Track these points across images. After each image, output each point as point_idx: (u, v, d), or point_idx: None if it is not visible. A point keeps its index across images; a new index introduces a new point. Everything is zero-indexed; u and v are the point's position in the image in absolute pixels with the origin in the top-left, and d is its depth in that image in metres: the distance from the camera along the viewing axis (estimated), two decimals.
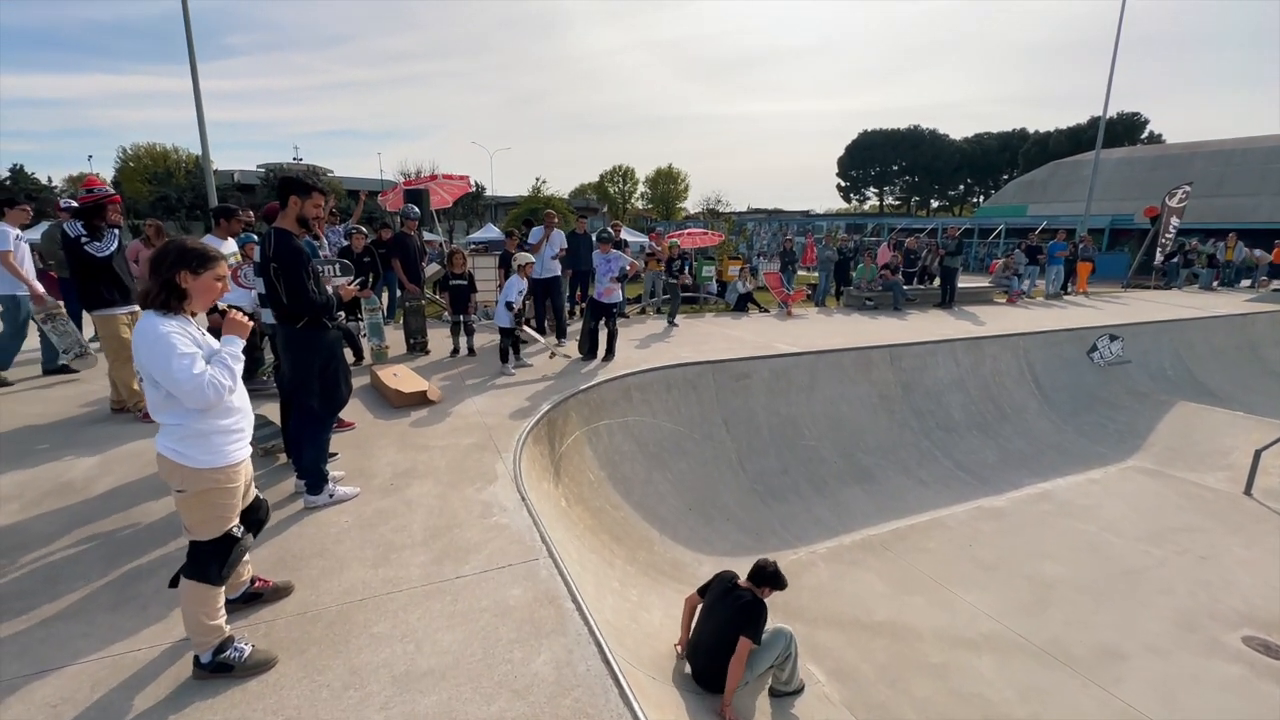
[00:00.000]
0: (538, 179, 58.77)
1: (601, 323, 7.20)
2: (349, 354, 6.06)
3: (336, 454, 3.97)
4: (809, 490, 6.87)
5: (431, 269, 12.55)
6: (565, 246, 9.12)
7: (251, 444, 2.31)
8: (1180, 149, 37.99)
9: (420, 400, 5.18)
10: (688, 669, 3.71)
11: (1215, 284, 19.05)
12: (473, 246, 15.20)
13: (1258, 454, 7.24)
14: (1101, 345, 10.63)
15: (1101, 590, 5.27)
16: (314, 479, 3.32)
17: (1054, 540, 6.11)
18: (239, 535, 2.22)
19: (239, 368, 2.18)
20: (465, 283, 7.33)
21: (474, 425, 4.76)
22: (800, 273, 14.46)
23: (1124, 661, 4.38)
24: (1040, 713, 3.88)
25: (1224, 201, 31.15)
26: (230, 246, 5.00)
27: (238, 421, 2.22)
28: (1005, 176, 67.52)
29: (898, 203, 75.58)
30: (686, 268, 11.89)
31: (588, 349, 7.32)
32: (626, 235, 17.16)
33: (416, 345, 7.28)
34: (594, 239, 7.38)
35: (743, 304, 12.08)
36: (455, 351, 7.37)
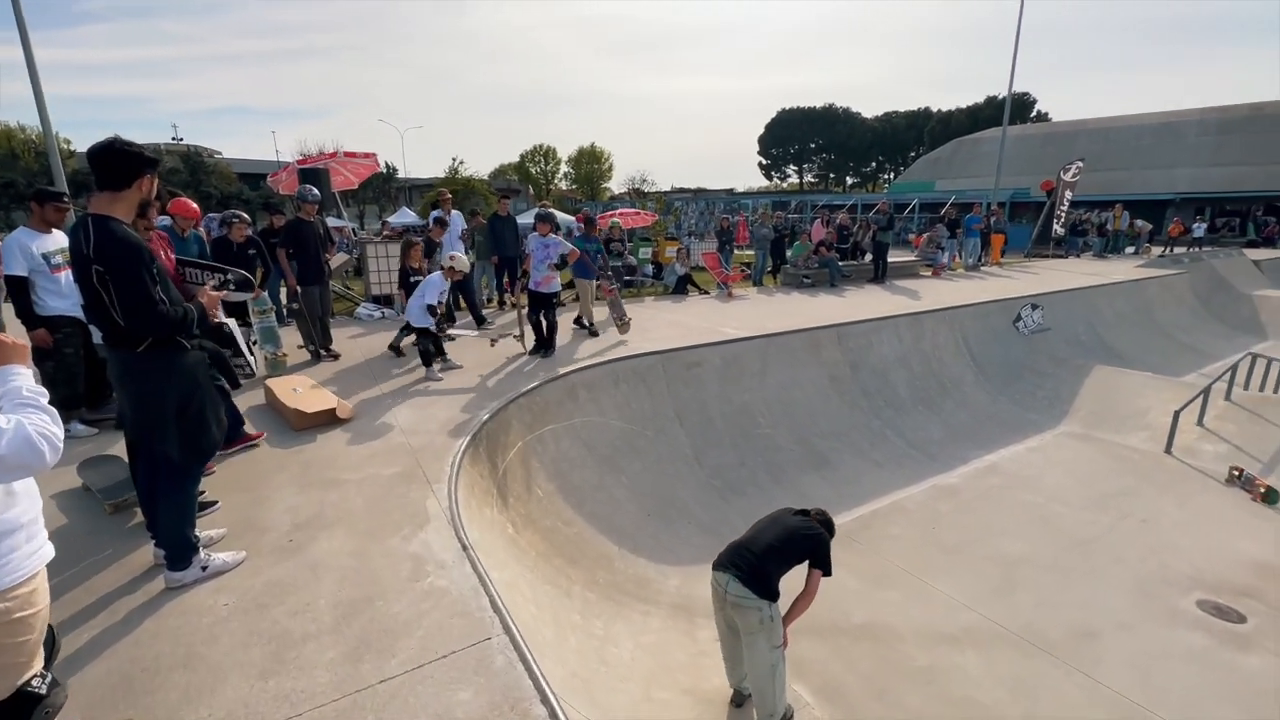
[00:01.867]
0: (454, 159, 55.70)
1: (540, 314, 6.51)
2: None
3: (215, 503, 3.14)
4: (768, 481, 6.56)
5: (339, 259, 11.27)
6: (465, 228, 8.61)
7: (103, 499, 1.54)
8: (1068, 126, 41.09)
9: (327, 420, 4.34)
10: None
11: (1105, 252, 20.64)
12: (387, 230, 13.83)
13: (1176, 415, 7.63)
14: (1025, 315, 11.03)
15: (1061, 565, 5.27)
16: (177, 549, 2.51)
17: (1008, 515, 6.12)
18: (42, 689, 1.47)
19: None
20: (424, 277, 6.47)
21: (397, 448, 4.00)
22: (735, 252, 14.20)
23: (1098, 640, 4.33)
24: (1032, 710, 3.72)
25: (1104, 175, 33.83)
26: (56, 241, 3.92)
27: (24, 513, 1.47)
28: (913, 154, 71.09)
29: (816, 180, 77.90)
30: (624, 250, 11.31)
31: (538, 346, 6.65)
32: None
33: (317, 351, 6.28)
34: (534, 220, 6.65)
35: (682, 286, 11.65)
36: (443, 355, 6.35)
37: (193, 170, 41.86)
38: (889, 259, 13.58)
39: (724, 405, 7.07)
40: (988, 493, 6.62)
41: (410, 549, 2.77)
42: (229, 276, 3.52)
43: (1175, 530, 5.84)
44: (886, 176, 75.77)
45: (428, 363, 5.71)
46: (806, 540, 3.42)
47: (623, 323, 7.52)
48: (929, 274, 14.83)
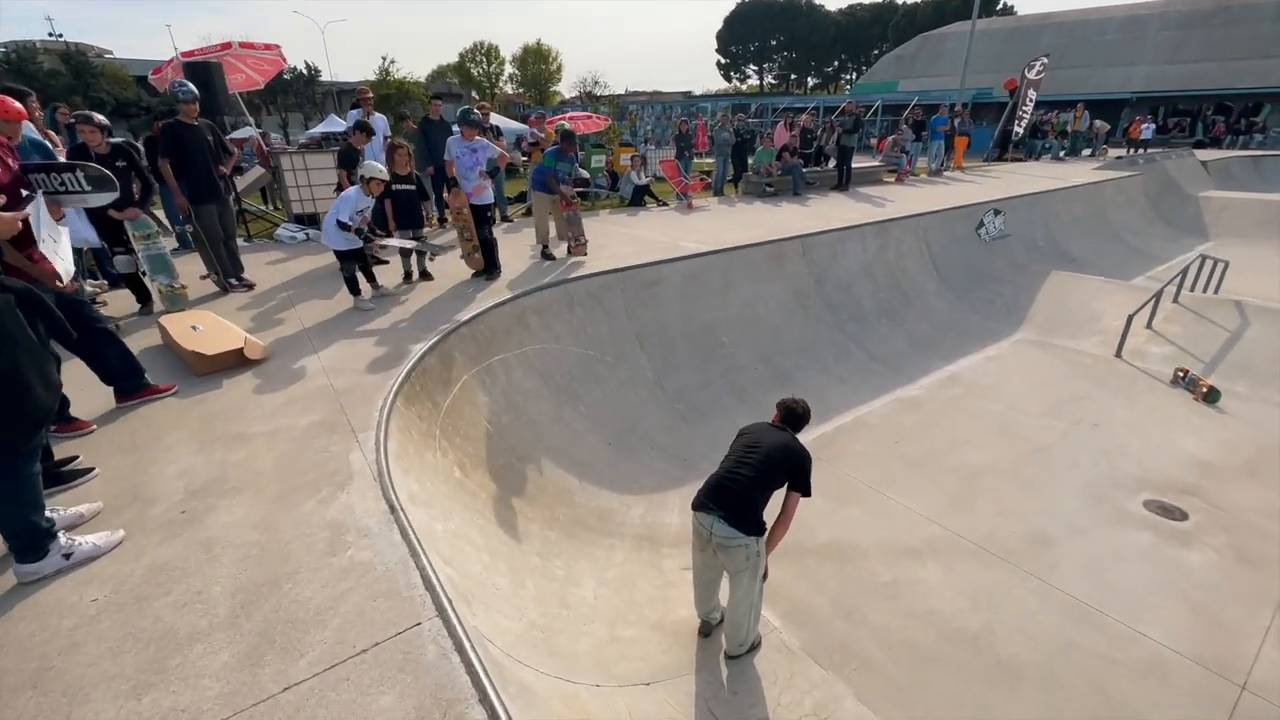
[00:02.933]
0: (385, 59, 50.35)
1: (479, 231, 5.85)
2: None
3: (91, 471, 2.64)
4: (732, 402, 6.37)
5: (255, 174, 10.04)
6: (388, 134, 7.58)
7: None
8: (1032, 20, 39.62)
9: (234, 362, 3.77)
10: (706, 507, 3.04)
11: (1063, 154, 20.49)
12: (304, 139, 12.34)
13: (1130, 319, 7.70)
14: (988, 221, 10.85)
15: (1020, 473, 5.33)
16: (21, 538, 2.06)
17: (969, 425, 6.14)
18: None
19: None
20: (413, 187, 5.75)
21: (317, 392, 3.51)
22: (694, 160, 13.36)
23: (1053, 547, 4.41)
24: (992, 619, 3.77)
25: (1065, 74, 33.16)
26: None
27: None
28: (876, 52, 68.11)
29: (776, 82, 74.32)
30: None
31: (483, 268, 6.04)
32: (499, 122, 14.84)
33: (225, 281, 5.50)
34: (456, 123, 5.80)
35: (639, 197, 10.93)
36: (408, 276, 6.04)
37: (77, 73, 36.57)
38: (853, 164, 13.04)
39: (686, 325, 6.73)
40: (949, 404, 6.63)
41: (328, 515, 2.38)
42: (76, 174, 2.80)
43: (1125, 432, 5.98)
44: (849, 77, 72.80)
45: (354, 290, 5.08)
46: (788, 461, 3.18)
47: (579, 243, 6.88)
48: (892, 180, 14.40)
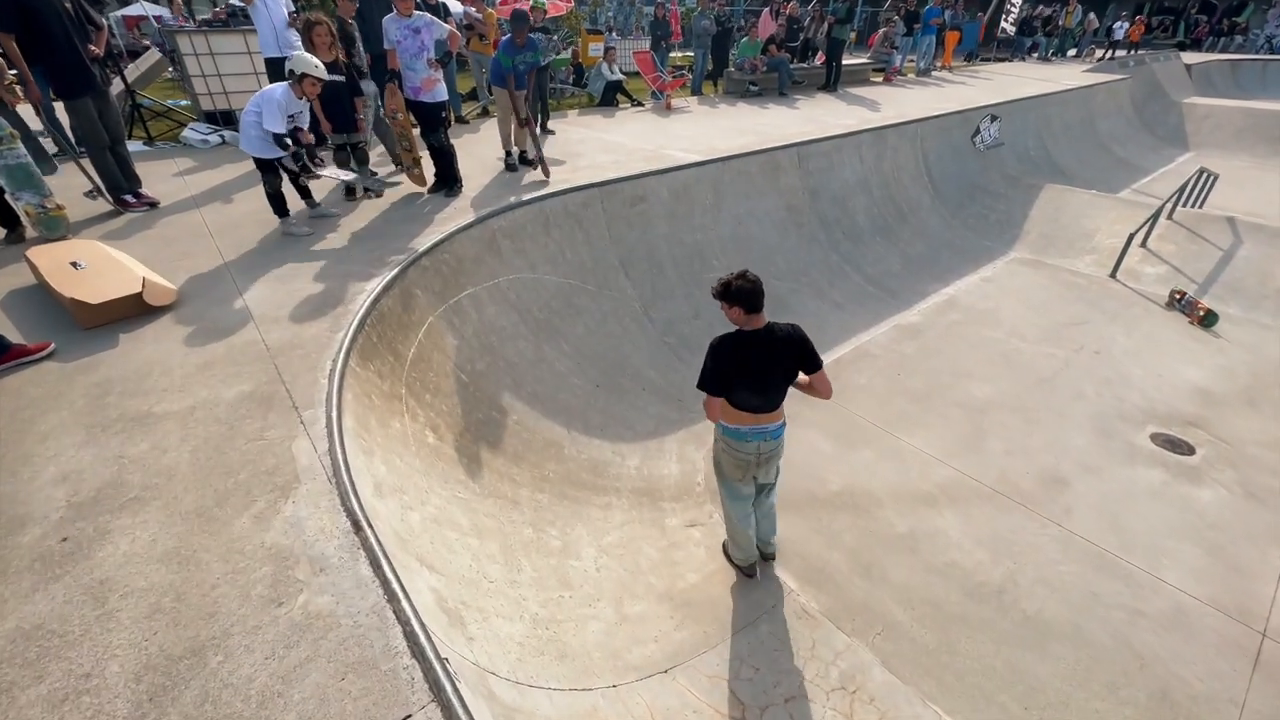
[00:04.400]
0: None
1: (431, 137, 4.88)
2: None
3: None
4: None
5: (150, 60, 8.40)
6: (292, 8, 5.97)
7: None
8: None
9: (133, 310, 2.97)
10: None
11: (1051, 54, 19.49)
12: (209, 14, 10.34)
13: (1130, 238, 7.40)
14: (984, 128, 10.17)
15: (1026, 406, 5.11)
16: None
17: (971, 354, 5.86)
18: None
19: None
20: (342, 78, 4.46)
21: (245, 350, 2.78)
22: (670, 53, 11.94)
23: (1067, 488, 4.24)
24: (1014, 571, 3.60)
25: None
26: None
27: None
28: None
29: None
30: None
31: (441, 182, 5.09)
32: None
33: (118, 198, 4.44)
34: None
35: (610, 95, 9.71)
36: (350, 191, 4.87)
37: None
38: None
39: (674, 247, 6.05)
40: (949, 330, 6.30)
41: (269, 538, 1.79)
42: None
43: (1126, 360, 5.81)
44: None
45: (281, 211, 4.15)
46: (798, 351, 2.83)
47: (542, 164, 5.82)
48: (880, 80, 13.35)
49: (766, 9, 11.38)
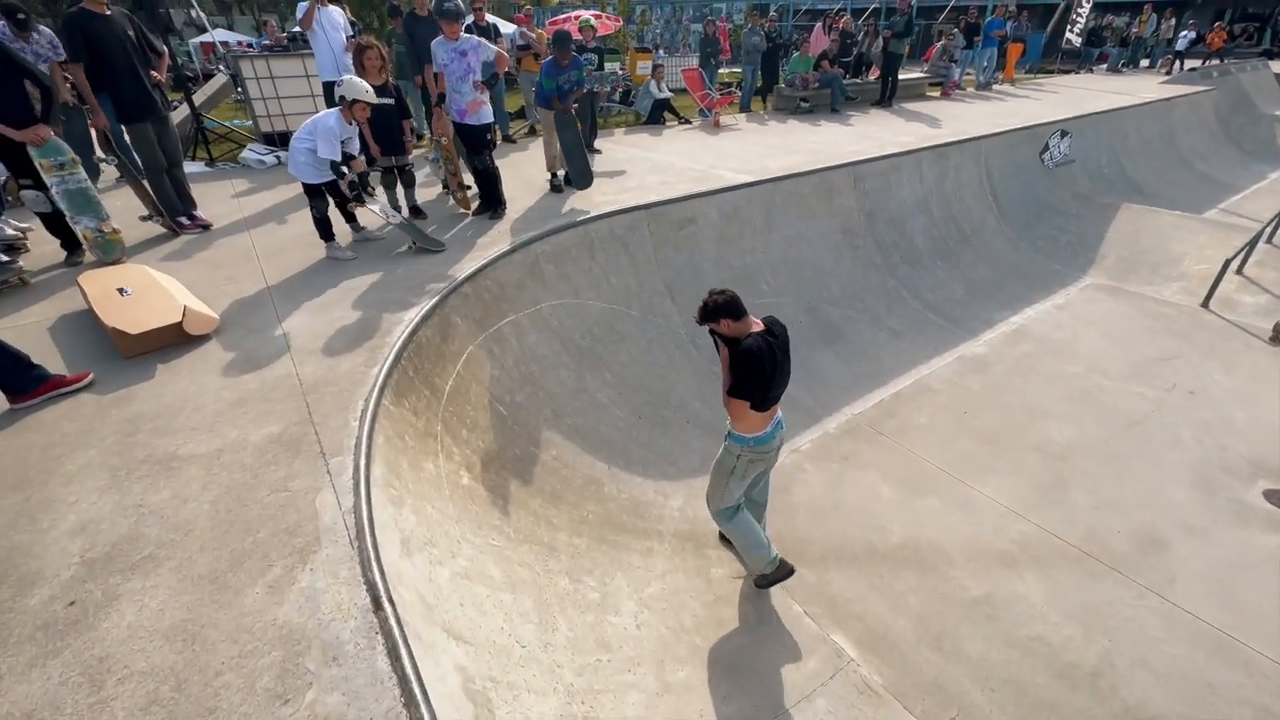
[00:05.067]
0: None
1: (476, 159, 4.81)
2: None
3: None
4: None
5: (218, 85, 8.74)
6: (350, 33, 6.04)
7: None
8: None
9: (172, 339, 2.93)
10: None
11: (1122, 65, 18.45)
12: (270, 40, 10.77)
13: (1227, 264, 6.74)
14: (1053, 144, 9.57)
15: (1114, 453, 4.61)
16: None
17: (1046, 391, 5.37)
18: None
19: None
20: (391, 100, 4.44)
21: (278, 385, 2.68)
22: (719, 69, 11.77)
23: (1168, 551, 3.75)
24: (1110, 651, 3.16)
25: None
26: None
27: None
28: None
29: None
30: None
31: (485, 204, 5.03)
32: (497, 21, 12.99)
33: (174, 221, 4.50)
34: (434, 16, 4.59)
35: (657, 113, 9.59)
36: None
37: None
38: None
39: (722, 271, 5.80)
40: (1020, 363, 5.82)
41: (281, 614, 1.62)
42: None
43: (1227, 402, 5.21)
44: None
45: (327, 235, 4.11)
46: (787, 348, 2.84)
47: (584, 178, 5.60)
48: (937, 94, 12.84)
49: (819, 24, 11.09)
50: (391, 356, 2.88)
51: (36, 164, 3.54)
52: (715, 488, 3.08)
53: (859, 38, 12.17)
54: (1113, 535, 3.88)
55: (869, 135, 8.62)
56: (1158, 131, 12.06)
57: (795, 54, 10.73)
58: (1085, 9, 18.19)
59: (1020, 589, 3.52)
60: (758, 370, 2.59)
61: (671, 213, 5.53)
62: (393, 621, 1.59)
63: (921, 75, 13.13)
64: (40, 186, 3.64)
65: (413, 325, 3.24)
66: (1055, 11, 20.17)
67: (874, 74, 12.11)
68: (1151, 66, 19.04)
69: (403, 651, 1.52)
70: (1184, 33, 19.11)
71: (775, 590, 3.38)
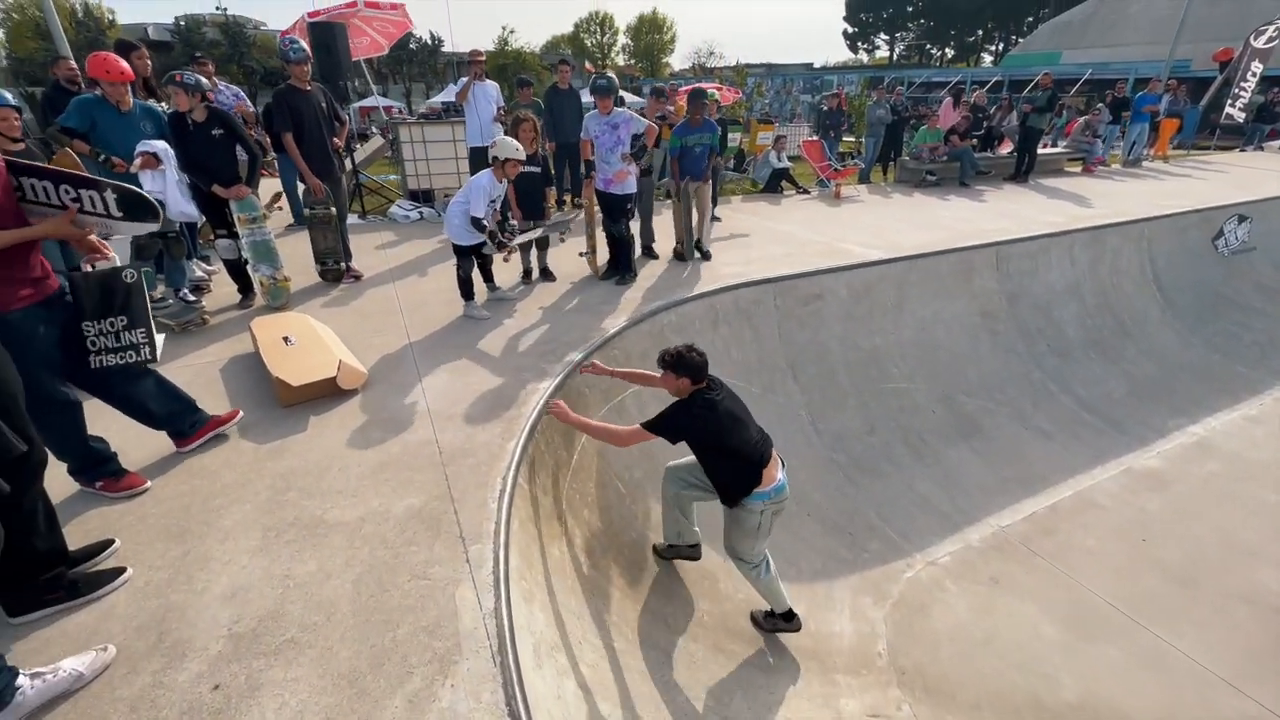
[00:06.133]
0: (504, 28, 50.89)
1: (615, 227, 4.87)
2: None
3: (124, 572, 1.92)
4: (905, 455, 5.07)
5: (375, 144, 9.71)
6: (501, 104, 6.71)
7: None
8: None
9: (326, 392, 3.04)
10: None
11: None
12: (424, 109, 11.95)
13: None
14: (1229, 229, 8.49)
15: None
16: None
17: (1248, 524, 4.47)
18: None
19: None
20: (539, 169, 4.75)
21: (419, 450, 2.67)
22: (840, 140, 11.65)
23: None
24: None
25: None
26: None
27: None
28: (1031, 19, 60.47)
29: (907, 53, 67.85)
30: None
31: (613, 269, 5.10)
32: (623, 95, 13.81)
33: (338, 271, 4.90)
34: (591, 93, 4.78)
35: (775, 183, 9.55)
36: (527, 274, 5.20)
37: (234, 43, 39.67)
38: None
39: (849, 351, 5.44)
40: (1208, 485, 4.93)
41: None
42: (105, 194, 2.06)
43: None
44: (993, 48, 65.09)
45: (468, 295, 4.25)
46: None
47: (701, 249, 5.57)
48: (1078, 170, 11.95)
49: (949, 97, 10.77)
50: (526, 430, 2.81)
51: (234, 217, 3.97)
52: (742, 544, 2.96)
53: (990, 111, 11.68)
54: None
55: (1008, 212, 8.05)
56: None
57: (923, 126, 10.42)
58: (1251, 82, 16.59)
59: None
60: (695, 423, 2.67)
61: (799, 287, 5.31)
62: None
63: (1060, 150, 12.33)
64: (233, 236, 4.06)
65: (546, 396, 3.17)
66: (1209, 86, 18.56)
67: (1004, 147, 11.51)
68: None
69: None
70: None
71: None
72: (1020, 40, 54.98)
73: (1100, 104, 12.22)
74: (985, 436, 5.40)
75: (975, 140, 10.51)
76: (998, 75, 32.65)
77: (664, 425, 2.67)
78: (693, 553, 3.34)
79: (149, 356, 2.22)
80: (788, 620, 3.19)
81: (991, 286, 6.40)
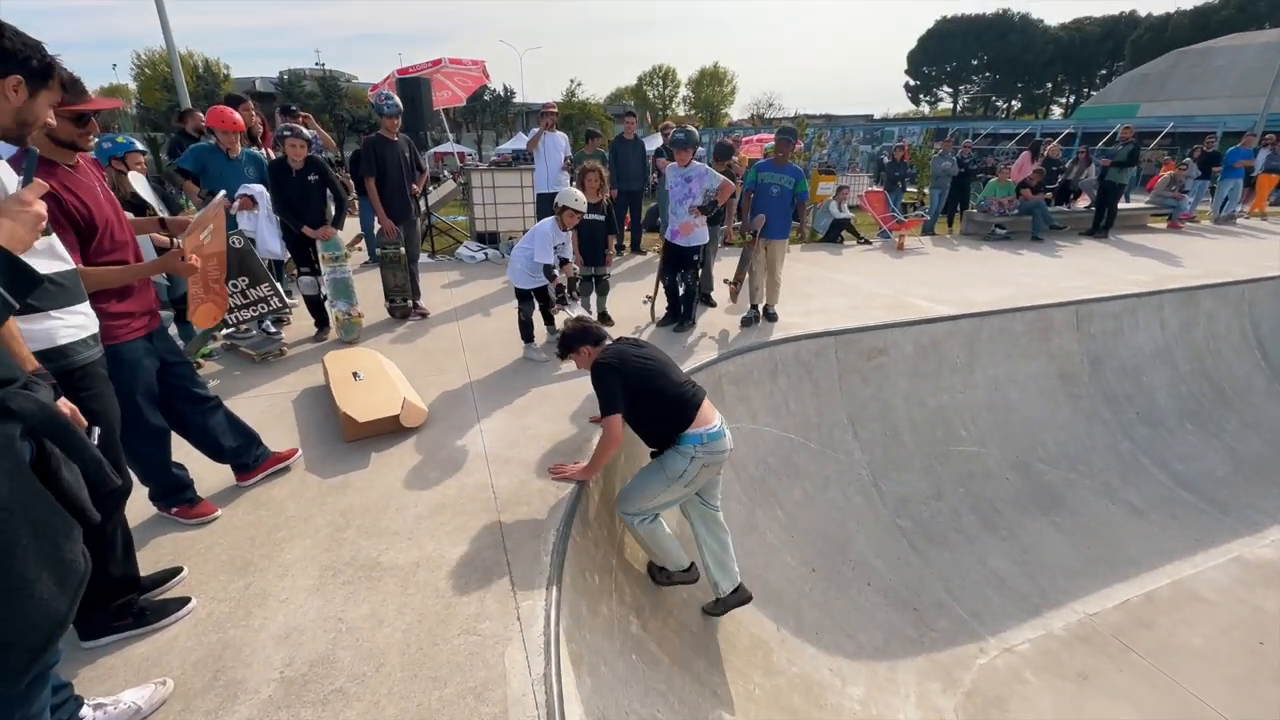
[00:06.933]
0: (573, 81, 53.73)
1: (678, 276, 4.87)
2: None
3: (188, 602, 1.97)
4: (975, 525, 4.72)
5: (447, 188, 10.23)
6: (569, 154, 7.03)
7: None
8: None
9: (389, 428, 3.11)
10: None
11: None
12: (495, 155, 12.59)
13: None
14: None
15: None
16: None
17: None
18: None
19: None
20: (603, 218, 4.78)
21: (475, 493, 2.66)
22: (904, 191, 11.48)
23: None
24: None
25: None
26: None
27: None
28: (1103, 72, 59.08)
29: (971, 105, 67.20)
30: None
31: (671, 316, 5.08)
32: None
33: (405, 308, 5.11)
34: (668, 146, 4.89)
35: (835, 233, 9.45)
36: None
37: (328, 94, 43.50)
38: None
39: (914, 409, 5.19)
40: None
41: None
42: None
43: None
44: (1064, 99, 63.70)
45: (528, 337, 4.32)
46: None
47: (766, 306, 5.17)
48: (1163, 226, 11.30)
49: (1026, 150, 10.49)
50: (576, 486, 2.76)
51: (319, 255, 4.22)
52: (646, 488, 2.71)
53: (1066, 165, 11.29)
54: None
55: (1088, 269, 7.63)
56: None
57: (993, 179, 10.15)
58: None
59: None
60: (613, 374, 2.57)
61: (862, 340, 5.14)
62: None
63: (1144, 205, 11.73)
64: (315, 273, 4.31)
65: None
66: None
67: (1081, 202, 11.05)
68: None
69: None
70: None
71: None
72: (1093, 93, 53.70)
73: (1187, 158, 11.60)
74: (1067, 510, 4.98)
75: (1050, 194, 10.14)
76: (1069, 127, 31.77)
77: (602, 394, 2.62)
78: (687, 577, 3.09)
79: (280, 305, 2.34)
80: (737, 597, 3.03)
81: (1072, 347, 6.02)
